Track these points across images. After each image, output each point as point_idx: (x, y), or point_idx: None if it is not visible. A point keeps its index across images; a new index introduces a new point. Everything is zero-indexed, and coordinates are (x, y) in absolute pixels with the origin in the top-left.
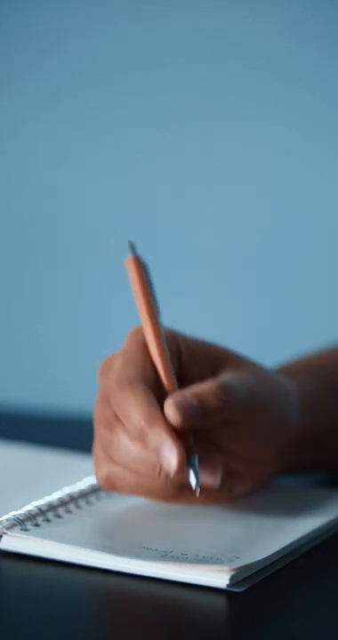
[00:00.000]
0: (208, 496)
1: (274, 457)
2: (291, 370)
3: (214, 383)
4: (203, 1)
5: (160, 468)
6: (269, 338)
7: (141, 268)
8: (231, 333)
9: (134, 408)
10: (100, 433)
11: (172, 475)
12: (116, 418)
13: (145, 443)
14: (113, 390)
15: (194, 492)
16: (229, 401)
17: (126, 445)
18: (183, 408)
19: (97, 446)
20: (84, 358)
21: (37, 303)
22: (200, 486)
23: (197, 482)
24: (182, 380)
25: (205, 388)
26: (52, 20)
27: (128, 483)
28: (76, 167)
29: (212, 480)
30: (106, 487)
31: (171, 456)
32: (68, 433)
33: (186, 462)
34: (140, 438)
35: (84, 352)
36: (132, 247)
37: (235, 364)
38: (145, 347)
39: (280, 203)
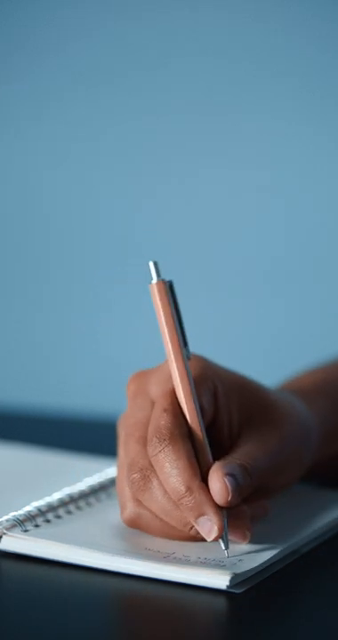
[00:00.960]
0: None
1: (295, 481)
2: (309, 393)
3: (244, 461)
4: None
5: (190, 527)
6: (278, 342)
7: (167, 295)
8: (237, 336)
9: (175, 470)
10: (131, 474)
11: (209, 540)
12: (152, 467)
13: (181, 507)
14: (152, 442)
15: None
16: (256, 477)
17: (159, 498)
18: (231, 488)
19: (123, 484)
20: (84, 359)
21: (37, 303)
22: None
23: (226, 547)
24: (214, 421)
25: (237, 464)
26: (52, 20)
27: (154, 528)
28: (76, 167)
29: (243, 540)
30: (130, 526)
31: (210, 527)
32: (68, 433)
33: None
34: (177, 501)
35: (84, 352)
36: (157, 269)
37: (263, 417)
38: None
39: (286, 204)
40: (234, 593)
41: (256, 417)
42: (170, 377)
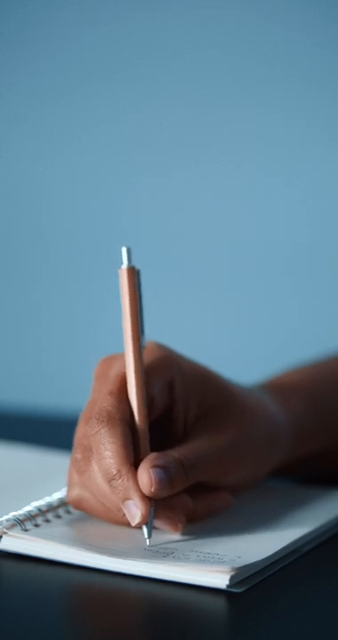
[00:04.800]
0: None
1: (258, 481)
2: (284, 391)
3: (182, 455)
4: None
5: (124, 514)
6: (268, 342)
7: (134, 282)
8: (229, 336)
9: (108, 452)
10: (74, 454)
11: (133, 525)
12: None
13: (111, 489)
14: (91, 422)
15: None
16: (195, 472)
17: (97, 480)
18: (156, 479)
19: (72, 465)
20: (85, 359)
21: (37, 304)
22: (150, 536)
23: (149, 536)
24: (169, 412)
25: (173, 457)
26: (51, 21)
27: (97, 511)
28: (75, 166)
29: (173, 529)
30: (75, 508)
31: (135, 513)
32: (68, 434)
33: (147, 519)
34: (108, 483)
35: (85, 353)
36: (129, 255)
37: (220, 414)
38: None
39: (286, 202)
40: (234, 592)
41: (215, 411)
42: (122, 363)
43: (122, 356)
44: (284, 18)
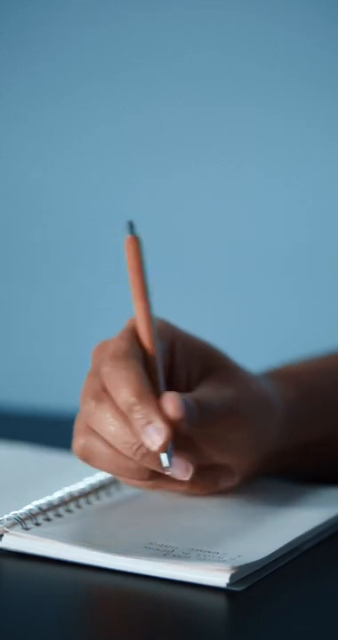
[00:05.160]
0: (192, 486)
1: (255, 462)
2: (280, 382)
3: (196, 395)
4: None
5: (137, 448)
6: (267, 342)
7: (138, 249)
8: (228, 336)
9: (126, 382)
10: (85, 403)
11: (154, 450)
12: (105, 390)
13: (130, 418)
14: (105, 363)
15: (166, 476)
16: (208, 415)
17: (109, 419)
18: (181, 406)
19: (79, 416)
20: (85, 359)
21: (37, 303)
22: (171, 473)
23: (169, 464)
24: (171, 374)
25: (188, 396)
26: (51, 21)
27: (103, 457)
28: (74, 165)
29: (182, 474)
30: (80, 457)
31: (157, 435)
32: (69, 433)
33: (169, 441)
34: (127, 413)
35: (85, 352)
36: (131, 226)
37: (222, 374)
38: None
39: (286, 202)
40: (234, 591)
41: (216, 374)
42: (126, 326)
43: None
44: (284, 18)
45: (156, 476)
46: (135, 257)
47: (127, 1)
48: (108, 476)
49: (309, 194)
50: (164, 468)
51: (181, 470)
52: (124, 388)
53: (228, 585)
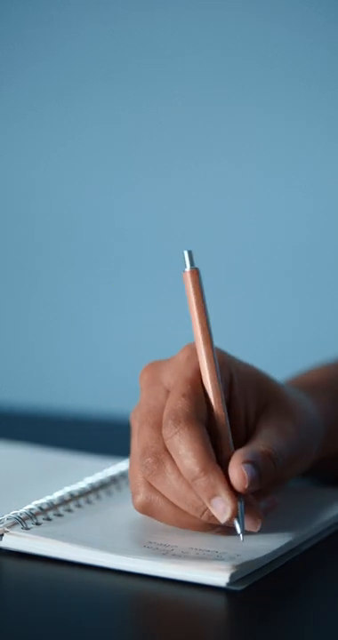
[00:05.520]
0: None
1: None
2: (312, 390)
3: (268, 447)
4: None
5: (203, 511)
6: (267, 342)
7: (199, 284)
8: (228, 337)
9: (190, 452)
10: (144, 458)
11: (222, 522)
12: (166, 451)
13: (195, 488)
14: (167, 424)
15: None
16: (281, 462)
17: (172, 482)
18: (249, 475)
19: (136, 469)
20: (85, 358)
21: (37, 303)
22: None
23: (242, 531)
24: (229, 410)
25: (260, 451)
26: (51, 20)
27: (167, 514)
28: (73, 165)
29: (254, 528)
30: (142, 512)
31: (224, 509)
32: (69, 433)
33: (236, 514)
34: (191, 482)
35: (85, 352)
36: (191, 257)
37: (279, 408)
38: (199, 376)
39: (281, 206)
40: (234, 590)
41: (272, 407)
42: (186, 365)
43: (170, 361)
44: (284, 18)
45: (216, 527)
46: (197, 292)
47: (127, 1)
48: (109, 475)
49: (310, 194)
50: (238, 533)
51: (251, 525)
52: (188, 459)
53: (227, 584)
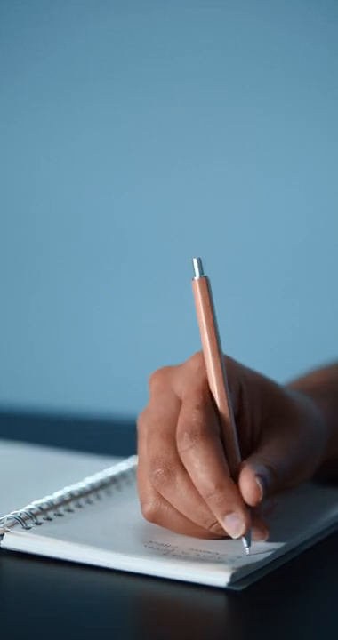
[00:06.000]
0: None
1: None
2: (315, 393)
3: (272, 463)
4: None
5: (212, 524)
6: (268, 337)
7: (208, 292)
8: (228, 337)
9: (205, 466)
10: (154, 469)
11: (234, 538)
12: (176, 462)
13: (209, 502)
14: (182, 437)
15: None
16: (282, 477)
17: (183, 493)
18: (261, 488)
19: (144, 477)
20: (85, 358)
21: (37, 303)
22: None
23: (249, 544)
24: (238, 419)
25: (265, 466)
26: (51, 20)
27: (175, 524)
28: (76, 166)
29: (262, 538)
30: (151, 521)
31: (238, 525)
32: (69, 433)
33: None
34: (205, 497)
35: (85, 352)
36: (200, 265)
37: (284, 420)
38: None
39: (281, 206)
40: (234, 590)
41: (276, 418)
42: (198, 374)
43: (181, 368)
44: (284, 18)
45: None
46: (206, 301)
47: (127, 1)
48: (109, 475)
49: (310, 194)
50: (245, 548)
51: (259, 535)
52: (203, 473)
53: (228, 584)
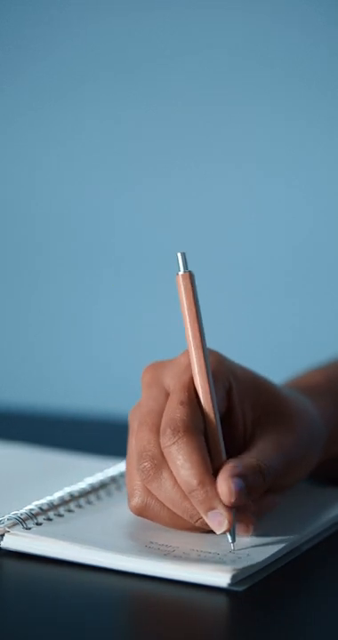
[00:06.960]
0: None
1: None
2: (313, 392)
3: (260, 461)
4: None
5: (197, 518)
6: (268, 337)
7: (192, 287)
8: (227, 337)
9: (188, 463)
10: (141, 462)
11: (217, 534)
12: (163, 456)
13: (191, 499)
14: (165, 433)
15: None
16: (271, 475)
17: (168, 488)
18: (236, 490)
19: (132, 470)
20: (85, 358)
21: (37, 303)
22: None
23: (234, 540)
24: (227, 418)
25: (251, 465)
26: (51, 20)
27: (162, 518)
28: (76, 166)
29: (247, 533)
30: (137, 515)
31: (220, 521)
32: (69, 433)
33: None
34: (187, 493)
35: (85, 352)
36: (184, 260)
37: (277, 418)
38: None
39: (281, 206)
40: (235, 591)
41: (270, 416)
42: (186, 369)
43: (172, 363)
44: (284, 18)
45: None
46: (190, 297)
47: (127, 1)
48: (109, 475)
49: (310, 194)
50: (230, 542)
51: (243, 531)
52: (185, 470)
53: (229, 585)
